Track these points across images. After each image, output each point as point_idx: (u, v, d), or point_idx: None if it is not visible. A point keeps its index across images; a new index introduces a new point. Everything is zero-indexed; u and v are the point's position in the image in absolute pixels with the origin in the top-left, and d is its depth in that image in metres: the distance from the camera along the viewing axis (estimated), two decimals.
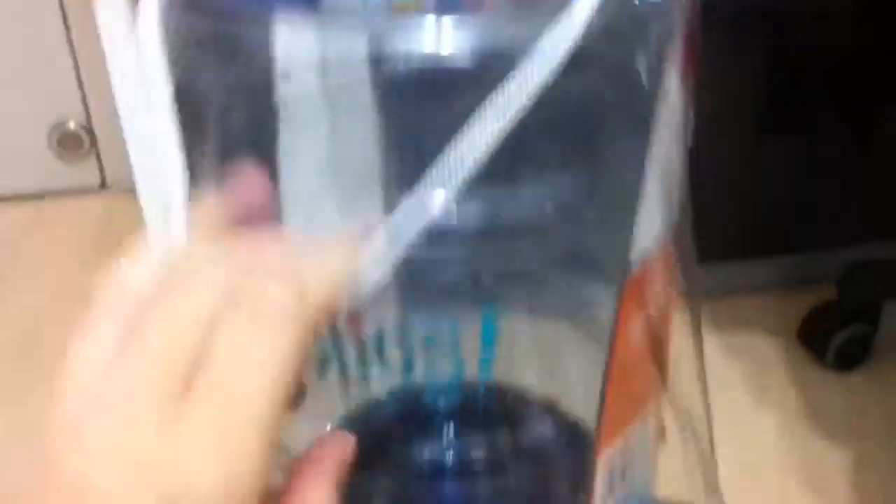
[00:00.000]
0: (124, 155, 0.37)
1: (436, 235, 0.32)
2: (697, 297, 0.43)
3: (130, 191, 0.37)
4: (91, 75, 1.40)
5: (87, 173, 1.47)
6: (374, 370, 0.39)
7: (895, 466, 0.95)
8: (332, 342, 0.38)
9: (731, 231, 1.06)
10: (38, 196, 1.47)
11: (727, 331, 1.11)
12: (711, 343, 1.05)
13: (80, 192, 1.48)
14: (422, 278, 0.37)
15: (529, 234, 0.37)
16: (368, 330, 0.39)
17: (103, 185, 1.48)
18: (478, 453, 0.41)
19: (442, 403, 0.41)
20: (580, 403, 0.43)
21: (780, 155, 1.08)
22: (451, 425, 0.40)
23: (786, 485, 0.93)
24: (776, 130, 1.08)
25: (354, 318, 0.36)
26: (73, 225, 1.42)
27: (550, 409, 0.44)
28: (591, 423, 0.39)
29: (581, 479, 0.38)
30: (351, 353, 0.38)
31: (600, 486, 0.37)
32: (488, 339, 0.39)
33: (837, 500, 0.92)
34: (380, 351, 0.38)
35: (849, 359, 1.06)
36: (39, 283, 1.29)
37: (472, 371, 0.42)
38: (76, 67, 1.41)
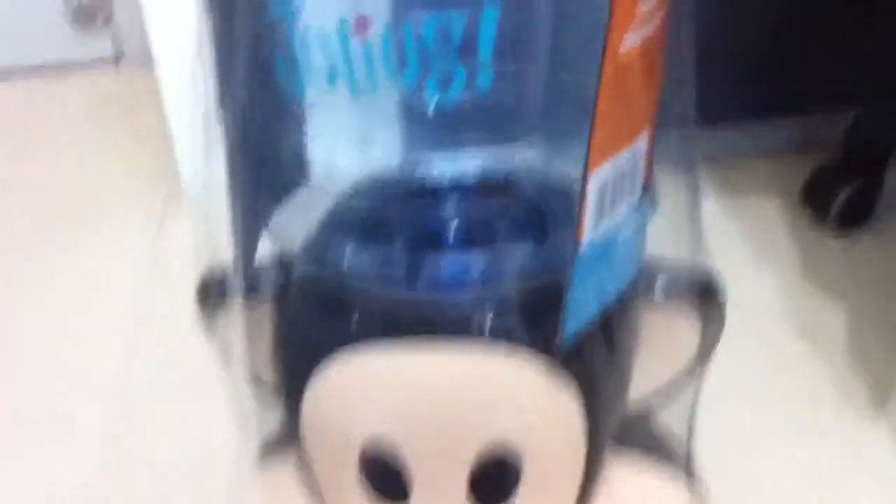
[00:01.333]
0: (140, 28, 0.38)
1: None
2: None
3: (145, 65, 0.39)
4: None
5: (101, 46, 1.48)
6: (382, 77, 0.39)
7: (891, 320, 0.97)
8: (340, 50, 0.39)
9: (735, 93, 1.05)
10: (54, 68, 1.48)
11: (729, 192, 1.13)
12: (712, 204, 1.06)
13: (94, 64, 1.49)
14: None
15: None
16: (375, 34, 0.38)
17: (118, 58, 1.49)
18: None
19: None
20: None
21: (782, 14, 1.07)
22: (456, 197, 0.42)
23: (783, 334, 0.96)
24: None
25: (362, 22, 0.37)
26: (88, 98, 1.43)
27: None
28: None
29: None
30: (359, 60, 0.38)
31: (590, 207, 0.38)
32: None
33: (833, 349, 0.94)
34: (386, 56, 0.38)
35: (851, 218, 1.07)
36: (54, 154, 1.31)
37: None
38: None
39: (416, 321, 0.43)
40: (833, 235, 1.08)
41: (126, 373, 0.96)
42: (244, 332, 0.48)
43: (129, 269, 1.08)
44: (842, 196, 1.07)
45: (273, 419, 0.54)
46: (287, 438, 0.51)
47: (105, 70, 1.49)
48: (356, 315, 0.44)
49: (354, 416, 0.44)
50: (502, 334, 0.42)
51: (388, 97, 0.40)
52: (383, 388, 0.43)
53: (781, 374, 0.93)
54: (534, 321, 0.42)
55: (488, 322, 0.43)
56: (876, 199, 1.09)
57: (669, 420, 0.53)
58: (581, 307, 0.41)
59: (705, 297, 0.47)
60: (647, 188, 0.44)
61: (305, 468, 0.48)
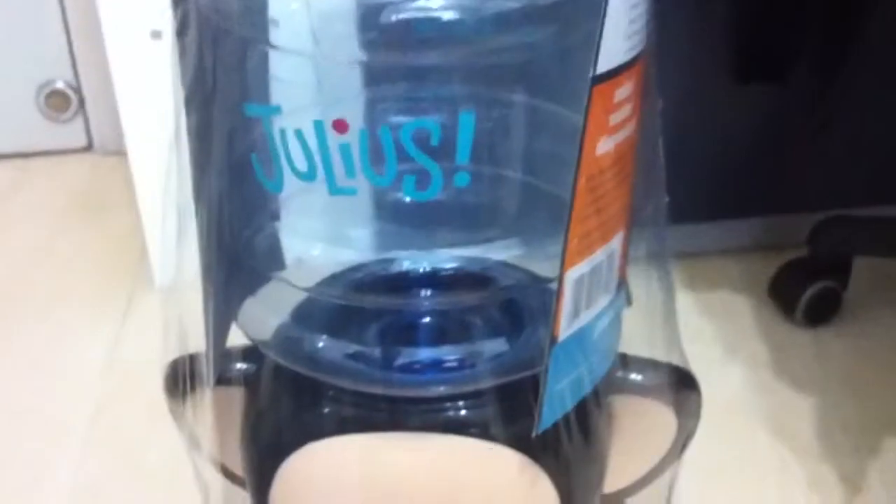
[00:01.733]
0: (112, 116, 0.38)
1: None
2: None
3: (117, 152, 0.39)
4: (80, 35, 1.40)
5: (73, 134, 1.48)
6: (360, 174, 0.39)
7: (859, 415, 0.97)
8: (319, 147, 0.39)
9: (702, 193, 1.07)
10: (24, 155, 1.48)
11: (698, 288, 1.14)
12: (681, 299, 1.08)
13: (66, 152, 1.49)
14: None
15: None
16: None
17: (90, 146, 1.49)
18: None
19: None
20: None
21: (751, 114, 1.10)
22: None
23: (752, 431, 0.96)
24: (748, 80, 1.09)
25: (339, 124, 0.37)
26: (59, 185, 1.43)
27: None
28: None
29: None
30: (337, 158, 0.39)
31: (565, 305, 0.38)
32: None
33: (801, 445, 0.94)
34: (363, 155, 0.38)
35: (818, 314, 1.08)
36: (23, 241, 1.30)
37: None
38: (66, 26, 1.40)
39: (388, 414, 0.42)
40: (801, 330, 1.08)
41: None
42: (213, 421, 0.47)
43: (92, 364, 1.08)
44: (808, 293, 1.08)
45: None
46: None
47: (76, 159, 1.49)
48: (326, 407, 0.43)
49: None
50: (476, 428, 0.42)
51: (365, 194, 0.41)
52: (351, 483, 0.42)
53: (752, 469, 0.93)
54: (509, 415, 0.42)
55: (462, 416, 0.42)
56: (842, 297, 1.10)
57: None
58: (557, 400, 0.41)
59: (681, 390, 0.47)
60: (622, 283, 0.45)
61: None
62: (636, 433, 0.47)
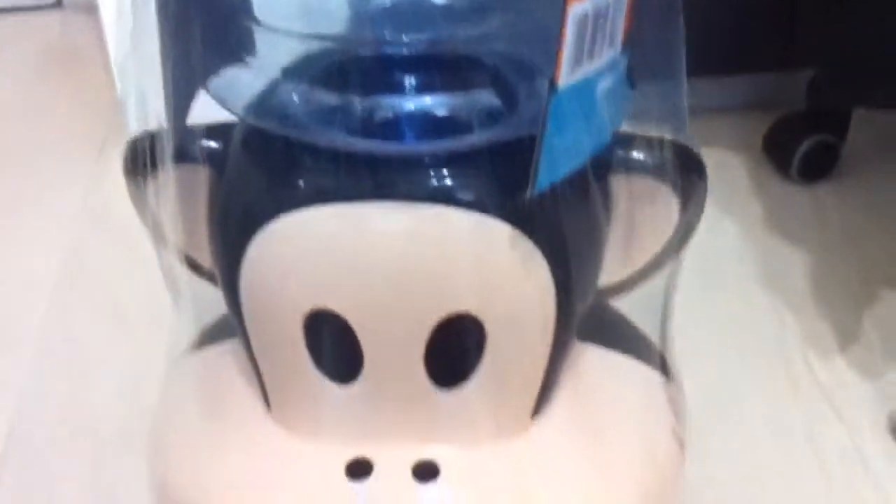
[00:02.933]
0: None
1: None
2: None
3: (87, 9, 0.35)
4: None
5: None
6: None
7: (855, 270, 0.94)
8: None
9: (697, 49, 1.02)
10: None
11: None
12: None
13: (36, 9, 1.43)
14: None
15: None
16: None
17: (59, 2, 1.43)
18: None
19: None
20: None
21: None
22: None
23: (748, 281, 0.93)
24: None
25: None
26: (30, 41, 1.37)
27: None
28: None
29: None
30: None
31: (568, 45, 0.33)
32: None
33: (797, 299, 0.92)
34: None
35: (814, 169, 1.04)
36: None
37: None
38: None
39: (368, 179, 0.38)
40: (797, 186, 1.05)
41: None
42: (177, 204, 0.43)
43: (66, 211, 1.03)
44: (803, 148, 1.04)
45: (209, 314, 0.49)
46: (225, 327, 0.46)
47: (47, 15, 1.44)
48: (301, 176, 0.39)
49: (297, 285, 0.39)
50: (467, 197, 0.38)
51: None
52: (328, 254, 0.38)
53: (747, 321, 0.90)
54: (502, 184, 0.38)
55: (451, 183, 0.38)
56: (839, 152, 1.06)
57: (643, 326, 0.49)
58: (555, 158, 0.36)
59: (686, 172, 0.43)
60: (626, 50, 0.40)
61: (246, 348, 0.43)
62: (637, 217, 0.43)
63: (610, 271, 0.44)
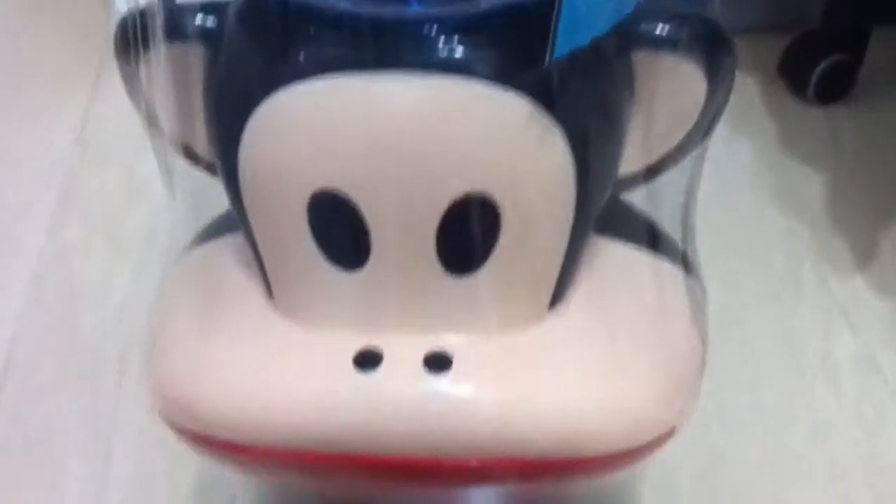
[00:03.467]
0: None
1: None
2: None
3: None
4: None
5: None
6: None
7: (871, 190, 0.92)
8: None
9: None
10: None
11: None
12: None
13: None
14: None
15: None
16: None
17: None
18: None
19: None
20: None
21: None
22: None
23: (762, 200, 0.91)
24: None
25: None
26: None
27: None
28: None
29: None
30: None
31: None
32: None
33: (812, 218, 0.89)
34: None
35: (830, 91, 1.01)
36: None
37: None
38: None
39: (374, 47, 0.35)
40: (813, 108, 1.02)
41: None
42: (171, 86, 0.40)
43: (62, 139, 1.01)
44: (820, 68, 1.00)
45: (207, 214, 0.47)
46: (224, 226, 0.44)
47: None
48: (301, 43, 0.36)
49: (299, 165, 0.37)
50: (480, 64, 0.35)
51: None
52: (331, 129, 0.36)
53: (761, 239, 0.88)
54: (519, 50, 0.35)
55: (463, 48, 0.35)
56: (856, 73, 1.03)
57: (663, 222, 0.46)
58: (576, 21, 0.33)
59: (713, 49, 0.40)
60: None
61: (248, 238, 0.40)
62: (661, 99, 0.40)
63: (631, 159, 0.41)
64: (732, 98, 1.11)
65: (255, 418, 0.38)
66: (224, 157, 0.39)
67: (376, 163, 0.36)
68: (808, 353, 0.77)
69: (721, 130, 1.06)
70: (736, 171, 0.94)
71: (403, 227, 0.37)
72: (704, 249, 0.50)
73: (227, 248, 0.43)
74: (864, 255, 0.85)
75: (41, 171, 0.96)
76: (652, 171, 0.43)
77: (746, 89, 1.05)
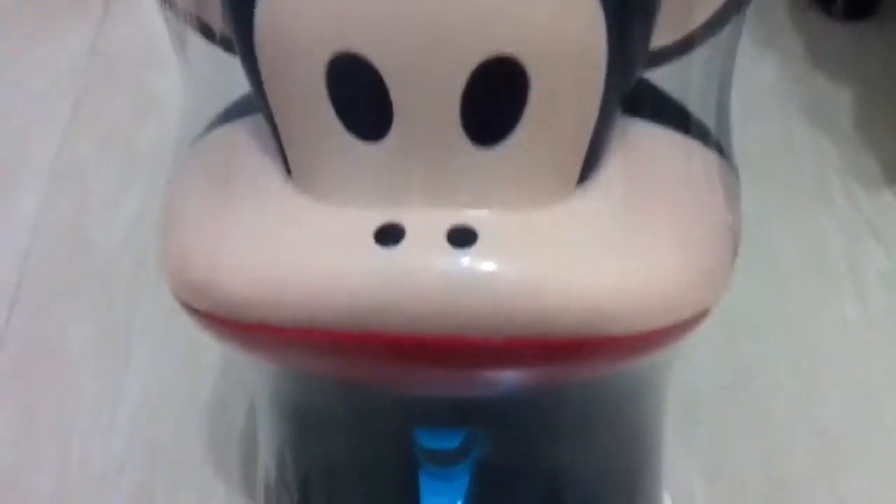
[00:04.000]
0: None
1: None
2: None
3: None
4: None
5: None
6: None
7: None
8: None
9: None
10: None
11: None
12: None
13: None
14: None
15: None
16: None
17: None
18: None
19: None
20: None
21: None
22: None
23: (788, 116, 0.89)
24: None
25: None
26: None
27: None
28: None
29: None
30: None
31: None
32: None
33: (841, 135, 0.87)
34: None
35: (857, 7, 0.98)
36: None
37: None
38: None
39: None
40: (840, 24, 0.99)
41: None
42: None
43: (75, 53, 0.99)
44: None
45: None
46: (239, 110, 0.42)
47: None
48: None
49: (317, 25, 0.34)
50: None
51: None
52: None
53: (786, 154, 0.86)
54: None
55: None
56: None
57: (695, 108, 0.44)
58: None
59: None
60: None
61: (264, 112, 0.39)
62: None
63: (665, 29, 0.39)
64: (759, 15, 1.09)
65: (272, 295, 0.37)
66: (239, 24, 0.37)
67: (398, 22, 0.34)
68: (835, 269, 0.76)
69: (747, 46, 1.04)
70: (762, 85, 0.92)
71: (427, 93, 0.35)
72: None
73: (244, 129, 0.41)
74: (893, 171, 0.83)
75: (58, 84, 0.94)
76: (686, 44, 0.40)
77: (773, 6, 1.02)
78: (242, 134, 0.41)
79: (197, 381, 0.69)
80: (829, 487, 0.62)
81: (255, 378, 0.50)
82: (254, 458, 0.60)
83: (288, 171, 0.39)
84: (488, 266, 0.36)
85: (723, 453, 0.64)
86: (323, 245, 0.37)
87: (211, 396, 0.68)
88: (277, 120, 0.38)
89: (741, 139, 0.86)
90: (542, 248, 0.36)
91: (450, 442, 0.44)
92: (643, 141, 0.40)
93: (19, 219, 0.81)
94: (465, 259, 0.36)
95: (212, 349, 0.66)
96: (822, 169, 0.84)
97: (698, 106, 0.44)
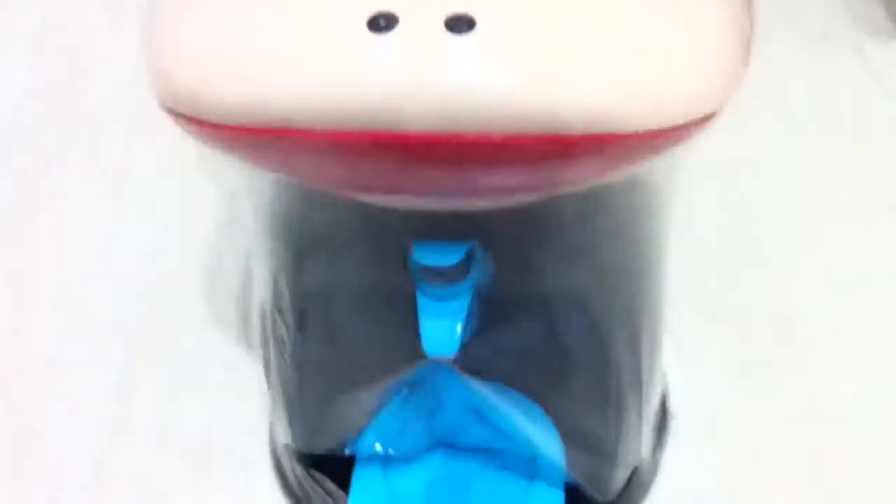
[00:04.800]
0: None
1: None
2: None
3: None
4: None
5: None
6: None
7: None
8: None
9: None
10: None
11: None
12: None
13: None
14: None
15: None
16: None
17: None
18: None
19: None
20: None
21: None
22: None
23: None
24: None
25: None
26: None
27: None
28: None
29: None
30: None
31: None
32: None
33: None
34: None
35: None
36: None
37: None
38: None
39: None
40: None
41: None
42: None
43: None
44: None
45: None
46: None
47: None
48: None
49: None
50: None
51: None
52: None
53: (794, 4, 0.83)
54: None
55: None
56: None
57: None
58: None
59: None
60: None
61: None
62: None
63: None
64: None
65: (261, 98, 0.35)
66: None
67: None
68: (843, 117, 0.74)
69: None
70: None
71: None
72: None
73: None
74: None
75: None
76: None
77: None
78: None
79: (195, 222, 0.67)
80: (834, 326, 0.61)
81: (249, 201, 0.49)
82: (250, 316, 0.59)
83: None
84: (488, 53, 0.34)
85: (724, 295, 0.63)
86: (310, 35, 0.34)
87: (210, 241, 0.67)
88: None
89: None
90: (545, 40, 0.34)
91: (449, 258, 0.43)
92: None
93: (7, 69, 0.79)
94: (464, 44, 0.34)
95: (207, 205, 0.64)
96: (829, 19, 0.81)
97: None
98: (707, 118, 0.38)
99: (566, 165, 0.37)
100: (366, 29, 0.34)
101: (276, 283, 0.49)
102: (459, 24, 0.34)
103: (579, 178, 0.38)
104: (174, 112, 0.38)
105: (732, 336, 0.61)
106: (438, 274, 0.43)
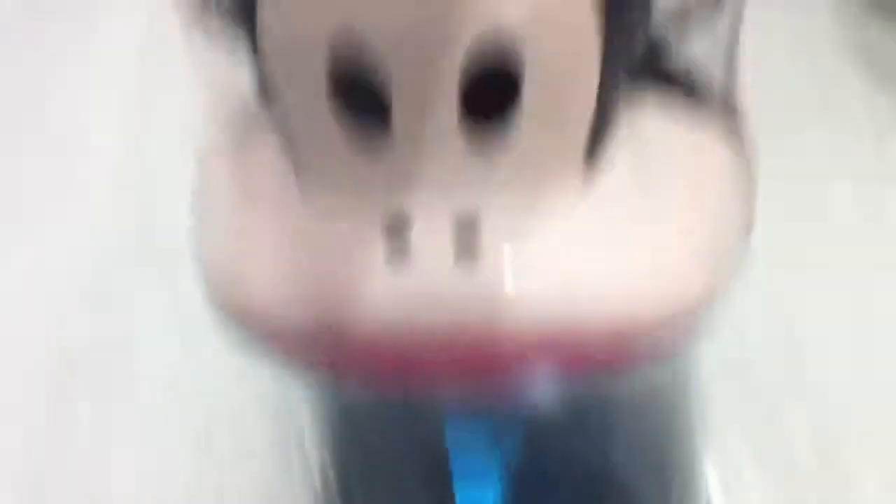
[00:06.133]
0: None
1: None
2: None
3: None
4: None
5: None
6: None
7: None
8: None
9: None
10: None
11: None
12: None
13: None
14: None
15: None
16: None
17: None
18: None
19: None
20: None
21: None
22: None
23: (837, 64, 0.85)
24: None
25: None
26: None
27: None
28: None
29: None
30: None
31: None
32: None
33: (888, 80, 0.83)
34: None
35: None
36: None
37: None
38: None
39: None
40: None
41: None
42: None
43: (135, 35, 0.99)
44: None
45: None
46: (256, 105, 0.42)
47: None
48: None
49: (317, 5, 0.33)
50: None
51: None
52: None
53: (835, 99, 0.83)
54: None
55: None
56: None
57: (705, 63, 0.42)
58: None
59: None
60: None
61: (273, 111, 0.38)
62: None
63: None
64: None
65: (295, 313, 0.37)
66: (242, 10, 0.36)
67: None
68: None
69: None
70: (814, 28, 0.88)
71: (424, 72, 0.33)
72: (770, 116, 0.46)
73: (260, 141, 0.41)
74: None
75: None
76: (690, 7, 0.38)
77: None
78: (257, 146, 0.41)
79: None
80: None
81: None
82: None
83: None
84: (499, 283, 0.35)
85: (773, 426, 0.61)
86: (330, 250, 0.37)
87: None
88: (287, 115, 0.37)
89: (785, 81, 0.81)
90: (548, 242, 0.35)
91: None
92: (649, 121, 0.38)
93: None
94: (476, 276, 0.35)
95: None
96: (872, 114, 0.80)
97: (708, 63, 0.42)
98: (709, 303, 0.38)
99: (598, 363, 0.38)
100: (382, 261, 0.35)
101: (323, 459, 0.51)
102: (469, 239, 0.35)
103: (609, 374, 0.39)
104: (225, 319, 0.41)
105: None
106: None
